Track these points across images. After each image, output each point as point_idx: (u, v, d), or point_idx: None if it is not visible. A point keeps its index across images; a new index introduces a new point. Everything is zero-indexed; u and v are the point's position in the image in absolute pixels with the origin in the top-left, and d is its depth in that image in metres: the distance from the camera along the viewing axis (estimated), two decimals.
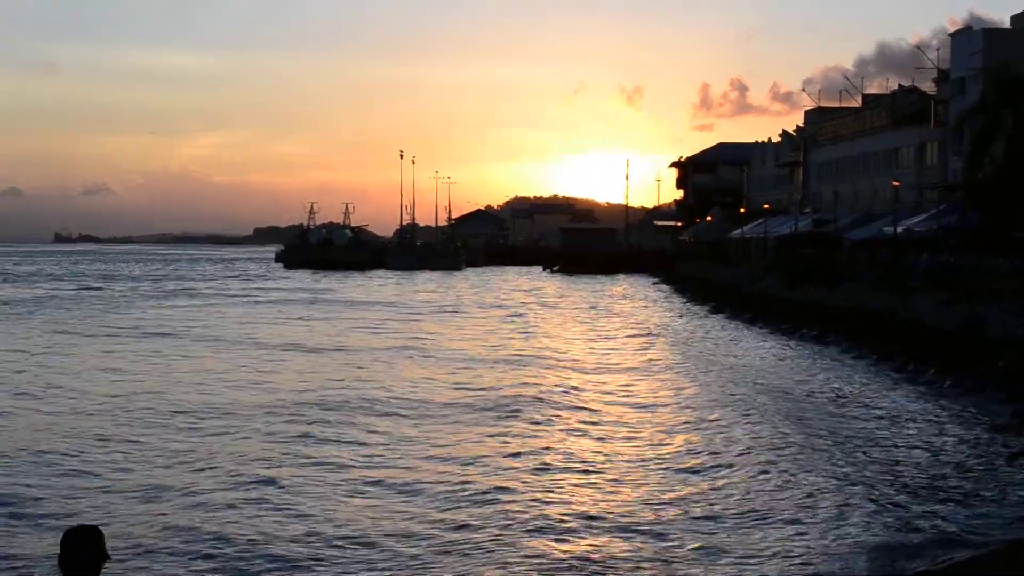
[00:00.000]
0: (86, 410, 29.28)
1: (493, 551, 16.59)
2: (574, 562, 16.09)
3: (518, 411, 29.42)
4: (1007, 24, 74.54)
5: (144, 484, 20.65)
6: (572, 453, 24.06)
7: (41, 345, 46.88)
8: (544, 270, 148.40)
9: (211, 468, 22.05)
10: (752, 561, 16.12)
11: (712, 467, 22.38)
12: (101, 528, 7.11)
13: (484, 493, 20.05)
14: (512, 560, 16.13)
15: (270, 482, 20.78)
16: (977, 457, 23.22)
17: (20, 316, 63.15)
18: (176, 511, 18.70)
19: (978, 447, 24.25)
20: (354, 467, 22.41)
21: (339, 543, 17.01)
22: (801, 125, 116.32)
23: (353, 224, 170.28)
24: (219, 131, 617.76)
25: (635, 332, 55.95)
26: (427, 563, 16.04)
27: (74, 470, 22.15)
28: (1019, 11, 73.09)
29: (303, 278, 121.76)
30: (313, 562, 16.13)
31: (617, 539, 17.27)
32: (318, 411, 29.00)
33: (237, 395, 32.43)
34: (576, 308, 75.60)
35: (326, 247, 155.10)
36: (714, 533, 17.50)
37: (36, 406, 30.20)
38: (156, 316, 64.36)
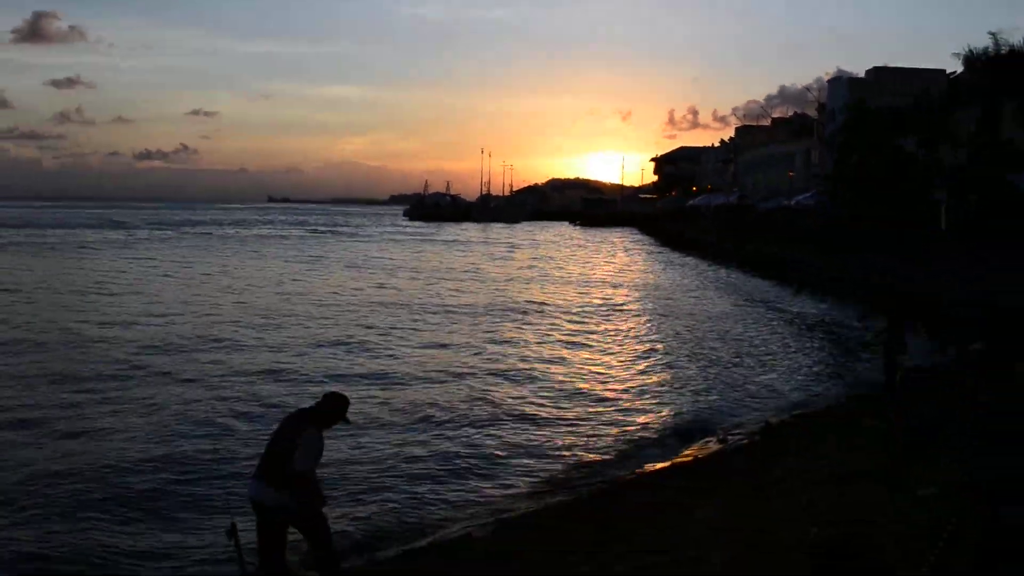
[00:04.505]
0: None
1: None
2: None
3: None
4: (863, 75, 73.35)
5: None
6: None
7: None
8: (570, 224, 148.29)
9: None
10: None
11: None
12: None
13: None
14: None
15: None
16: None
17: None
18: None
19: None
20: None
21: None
22: (733, 137, 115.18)
23: (451, 193, 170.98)
24: (366, 136, 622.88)
25: (621, 263, 56.54)
26: None
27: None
28: (871, 67, 72.13)
29: (420, 226, 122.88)
30: None
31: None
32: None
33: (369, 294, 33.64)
34: (591, 246, 76.36)
35: (434, 207, 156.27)
36: None
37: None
38: (329, 249, 65.76)
